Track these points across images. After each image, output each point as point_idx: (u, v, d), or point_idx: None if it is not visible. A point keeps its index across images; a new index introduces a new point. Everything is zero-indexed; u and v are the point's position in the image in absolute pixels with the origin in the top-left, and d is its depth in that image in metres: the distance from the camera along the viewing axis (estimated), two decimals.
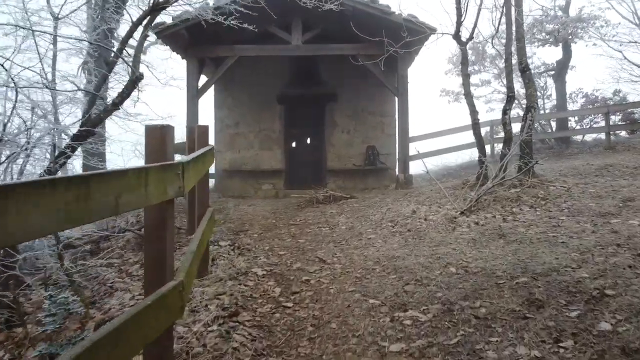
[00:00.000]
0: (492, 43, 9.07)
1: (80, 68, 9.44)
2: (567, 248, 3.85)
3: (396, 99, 11.21)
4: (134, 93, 4.13)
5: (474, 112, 7.24)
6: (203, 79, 10.57)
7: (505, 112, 6.98)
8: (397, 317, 3.07)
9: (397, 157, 11.73)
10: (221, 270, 4.26)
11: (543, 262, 3.56)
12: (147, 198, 1.87)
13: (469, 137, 17.22)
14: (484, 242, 4.36)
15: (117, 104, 3.94)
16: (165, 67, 15.67)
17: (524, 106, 13.92)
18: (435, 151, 11.86)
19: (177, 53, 9.99)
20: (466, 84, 7.34)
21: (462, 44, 7.46)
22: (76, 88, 4.11)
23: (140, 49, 4.26)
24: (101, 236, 6.05)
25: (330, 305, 3.42)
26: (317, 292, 3.72)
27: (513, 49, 7.35)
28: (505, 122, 6.90)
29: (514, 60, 7.78)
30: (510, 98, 6.98)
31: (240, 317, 3.25)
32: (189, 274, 2.42)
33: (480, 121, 13.18)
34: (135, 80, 3.91)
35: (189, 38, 9.29)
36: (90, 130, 3.81)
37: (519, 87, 14.58)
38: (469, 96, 7.28)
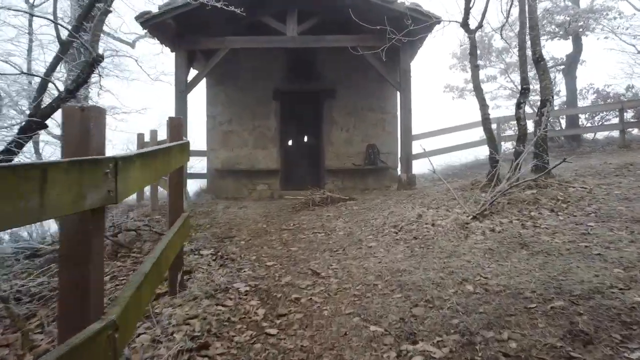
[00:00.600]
0: (501, 34, 8.46)
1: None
2: (606, 262, 3.24)
3: (398, 94, 10.63)
4: (95, 79, 3.53)
5: (484, 107, 6.63)
6: (194, 74, 9.97)
7: (519, 105, 6.37)
8: (405, 351, 2.47)
9: (399, 156, 11.15)
10: (197, 286, 3.66)
11: (580, 280, 2.95)
12: (45, 209, 1.27)
13: (474, 134, 16.67)
14: (504, 253, 3.75)
15: (72, 90, 3.34)
16: (156, 62, 15.11)
17: (531, 102, 13.35)
18: (442, 149, 11.25)
19: (166, 45, 9.41)
20: (475, 76, 6.74)
21: (470, 33, 6.86)
22: (18, 71, 3.50)
23: (99, 27, 3.67)
24: None
25: (322, 333, 2.82)
26: (308, 314, 3.11)
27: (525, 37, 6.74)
28: (520, 117, 6.29)
29: (528, 52, 7.17)
30: (525, 90, 6.37)
31: (211, 350, 2.65)
32: (129, 308, 1.81)
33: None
34: (92, 63, 3.31)
35: (177, 28, 8.69)
36: (40, 121, 3.22)
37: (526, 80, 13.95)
38: (478, 89, 6.67)
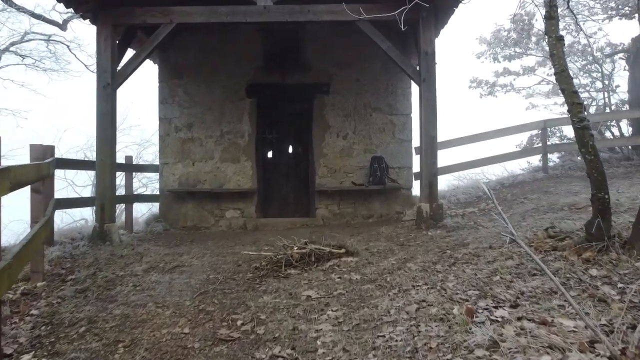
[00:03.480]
0: (568, 3, 5.69)
1: None
2: None
3: (413, 90, 7.95)
4: None
5: (575, 106, 3.87)
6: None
7: None
8: None
9: (413, 170, 8.48)
10: None
11: None
12: None
13: (507, 142, 13.78)
14: None
15: None
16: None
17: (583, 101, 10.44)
18: (473, 162, 8.51)
19: (90, 20, 6.68)
20: (559, 56, 3.98)
21: None
22: None
23: None
24: None
25: None
26: None
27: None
28: None
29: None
30: None
31: None
32: None
33: (528, 123, 9.77)
34: None
35: None
36: None
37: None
38: (564, 74, 3.92)
